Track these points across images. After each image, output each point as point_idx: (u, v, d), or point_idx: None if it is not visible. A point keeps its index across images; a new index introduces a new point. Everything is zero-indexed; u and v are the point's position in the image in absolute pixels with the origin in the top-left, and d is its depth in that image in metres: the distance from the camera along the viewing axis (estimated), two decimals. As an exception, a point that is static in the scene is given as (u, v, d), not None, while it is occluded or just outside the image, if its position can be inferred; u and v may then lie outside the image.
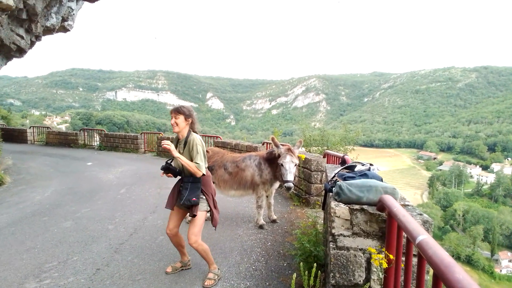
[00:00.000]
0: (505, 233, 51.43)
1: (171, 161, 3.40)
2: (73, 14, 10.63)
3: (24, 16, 8.26)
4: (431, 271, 1.32)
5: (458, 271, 1.03)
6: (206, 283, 3.33)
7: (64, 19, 10.24)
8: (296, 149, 4.91)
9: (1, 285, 3.32)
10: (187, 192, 3.24)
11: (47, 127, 19.62)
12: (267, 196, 5.37)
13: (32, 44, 9.92)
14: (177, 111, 3.29)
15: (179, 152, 3.30)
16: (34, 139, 18.85)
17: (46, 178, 9.06)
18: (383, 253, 2.04)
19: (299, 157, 5.02)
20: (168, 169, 3.29)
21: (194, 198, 3.22)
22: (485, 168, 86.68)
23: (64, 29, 10.82)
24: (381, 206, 2.18)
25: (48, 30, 10.03)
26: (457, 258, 42.80)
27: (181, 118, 3.28)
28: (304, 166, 6.86)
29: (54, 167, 10.67)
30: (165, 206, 3.46)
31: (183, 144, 3.35)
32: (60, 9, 9.68)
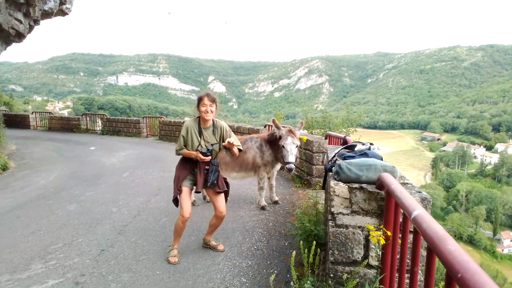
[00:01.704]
0: (508, 213, 51.64)
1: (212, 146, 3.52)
2: (71, -4, 10.48)
3: (22, 0, 8.16)
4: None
5: (451, 243, 1.04)
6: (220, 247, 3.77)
7: (62, 3, 10.11)
8: (298, 131, 4.90)
9: (7, 266, 3.40)
10: (214, 174, 3.47)
11: (50, 113, 19.70)
12: (268, 178, 5.39)
13: (31, 28, 9.83)
14: (214, 100, 3.43)
15: (205, 137, 3.47)
16: (36, 124, 18.95)
17: (50, 162, 9.14)
18: (381, 230, 2.06)
19: (300, 139, 5.02)
20: (210, 153, 3.44)
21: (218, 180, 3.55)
22: (489, 148, 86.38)
23: (62, 13, 10.69)
24: (380, 184, 2.18)
25: (47, 14, 9.92)
26: (459, 238, 43.19)
27: (214, 107, 3.43)
28: (306, 148, 6.87)
29: (58, 152, 10.75)
30: (196, 190, 3.54)
31: (211, 130, 3.50)
32: (58, -8, 9.54)
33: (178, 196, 3.49)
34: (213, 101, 3.40)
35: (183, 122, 3.49)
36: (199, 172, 3.45)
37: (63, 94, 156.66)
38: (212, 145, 3.48)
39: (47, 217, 4.84)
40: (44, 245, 3.89)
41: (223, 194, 3.61)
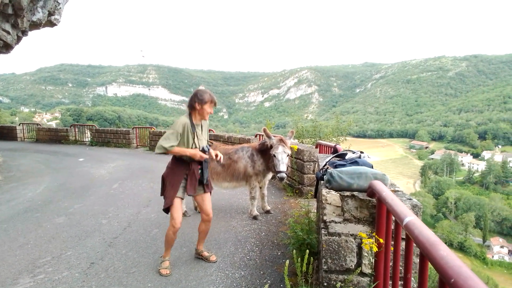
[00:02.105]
0: (496, 220, 52.43)
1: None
2: (60, 8, 10.46)
3: (10, 11, 8.12)
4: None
5: (443, 249, 1.06)
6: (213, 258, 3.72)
7: (50, 13, 10.07)
8: (288, 140, 4.92)
9: (-6, 281, 3.31)
10: (207, 171, 3.50)
11: (37, 124, 19.41)
12: (260, 187, 5.39)
13: (18, 39, 9.76)
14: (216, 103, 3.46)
15: (198, 134, 3.42)
16: (24, 136, 18.64)
17: (38, 174, 8.98)
18: (373, 237, 2.07)
19: (291, 148, 5.04)
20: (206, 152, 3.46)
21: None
22: (476, 156, 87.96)
23: (51, 24, 10.65)
24: (371, 191, 2.21)
25: (35, 25, 9.86)
26: (450, 245, 43.52)
27: None
28: (297, 157, 6.90)
29: (46, 164, 10.57)
30: (188, 193, 3.45)
31: (200, 126, 3.47)
32: (46, 3, 9.51)
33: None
34: (215, 104, 3.44)
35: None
36: (191, 173, 3.39)
37: (51, 105, 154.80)
38: (209, 144, 3.52)
39: (35, 230, 4.74)
40: (32, 259, 3.81)
41: (209, 194, 3.62)
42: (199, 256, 3.77)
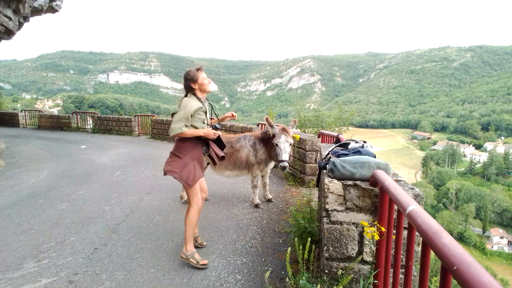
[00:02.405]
0: (497, 211, 52.58)
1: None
2: (61, -7, 10.35)
3: (10, -5, 8.04)
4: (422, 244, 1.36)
5: (445, 236, 1.07)
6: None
7: (52, -1, 9.98)
8: (291, 129, 4.91)
9: (-1, 265, 3.36)
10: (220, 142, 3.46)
11: (39, 111, 19.40)
12: (262, 176, 5.41)
13: (20, 25, 9.71)
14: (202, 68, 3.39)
15: (207, 112, 3.41)
16: (26, 122, 18.68)
17: (40, 161, 9.02)
18: (375, 226, 2.08)
19: (293, 137, 5.04)
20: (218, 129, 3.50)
21: None
22: (478, 147, 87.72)
23: (52, 10, 10.57)
24: (373, 181, 2.21)
25: (36, 11, 9.79)
26: (450, 235, 43.75)
27: None
28: (299, 146, 6.90)
29: (48, 151, 10.62)
30: (214, 164, 3.53)
31: (206, 103, 3.45)
32: (48, -12, 9.42)
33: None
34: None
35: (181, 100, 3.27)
36: (211, 147, 3.37)
37: (53, 92, 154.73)
38: (219, 123, 3.56)
39: (38, 216, 4.78)
40: (36, 244, 3.85)
41: None
42: (195, 242, 3.72)
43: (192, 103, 3.17)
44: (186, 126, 3.12)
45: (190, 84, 3.25)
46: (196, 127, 3.22)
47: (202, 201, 3.49)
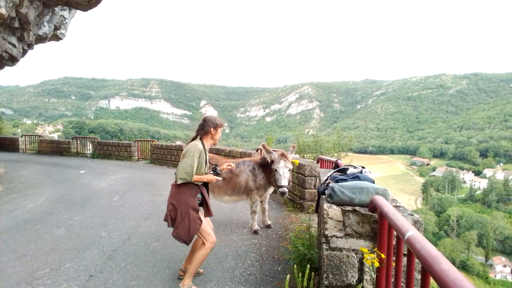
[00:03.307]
0: (499, 238, 51.79)
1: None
2: (66, 22, 10.65)
3: (16, 24, 8.27)
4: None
5: (444, 263, 1.07)
6: None
7: (56, 28, 10.25)
8: (290, 154, 4.93)
9: (-8, 292, 3.29)
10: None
11: (39, 136, 19.48)
12: (261, 202, 5.38)
13: (24, 52, 9.91)
14: None
15: (207, 160, 3.48)
16: (26, 147, 18.71)
17: (38, 186, 8.98)
18: (375, 252, 2.07)
19: (292, 163, 5.05)
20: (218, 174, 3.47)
21: None
22: (478, 173, 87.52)
23: (56, 38, 10.83)
24: (372, 206, 2.21)
25: (41, 39, 10.03)
26: (452, 263, 42.55)
27: None
28: (298, 172, 6.90)
29: (47, 176, 10.58)
30: (209, 215, 3.43)
31: (207, 151, 3.52)
32: (53, 18, 9.69)
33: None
34: None
35: (186, 144, 3.35)
36: (205, 195, 3.38)
37: (54, 118, 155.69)
38: (216, 166, 3.51)
39: (34, 242, 4.71)
40: (31, 270, 3.78)
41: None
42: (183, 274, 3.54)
43: (199, 147, 3.26)
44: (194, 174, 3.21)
45: (210, 128, 3.39)
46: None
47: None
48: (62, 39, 11.04)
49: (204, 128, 3.38)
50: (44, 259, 4.13)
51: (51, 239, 4.86)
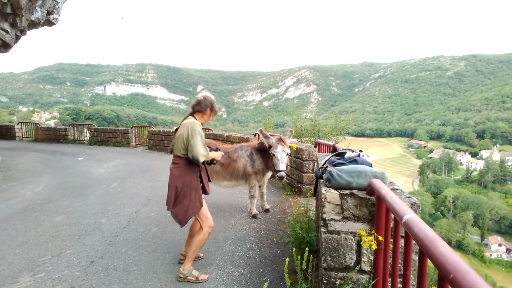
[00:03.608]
0: (494, 218, 52.62)
1: None
2: (58, 7, 10.44)
3: (8, 10, 8.10)
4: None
5: (442, 245, 1.07)
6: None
7: (49, 13, 10.05)
8: (288, 139, 4.93)
9: (-6, 279, 3.32)
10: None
11: (36, 123, 19.35)
12: (259, 186, 5.40)
13: (17, 38, 9.74)
14: None
15: None
16: (22, 135, 18.61)
17: (36, 174, 8.97)
18: (372, 235, 2.09)
19: (290, 147, 5.05)
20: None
21: None
22: (474, 155, 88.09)
23: (49, 23, 10.63)
24: (370, 190, 2.22)
25: (33, 24, 9.84)
26: (448, 243, 42.55)
27: None
28: (296, 156, 6.91)
29: (44, 163, 10.56)
30: (206, 193, 3.45)
31: None
32: (45, 3, 9.49)
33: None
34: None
35: (183, 122, 3.27)
36: (204, 174, 3.41)
37: (50, 105, 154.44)
38: (218, 148, 3.58)
39: (34, 229, 4.74)
40: (32, 258, 3.81)
41: None
42: (184, 259, 3.57)
43: (199, 125, 3.23)
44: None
45: (207, 109, 3.36)
46: None
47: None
48: (55, 24, 10.82)
49: (202, 106, 3.35)
50: (45, 246, 4.16)
51: (51, 226, 4.88)
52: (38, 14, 9.55)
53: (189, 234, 3.60)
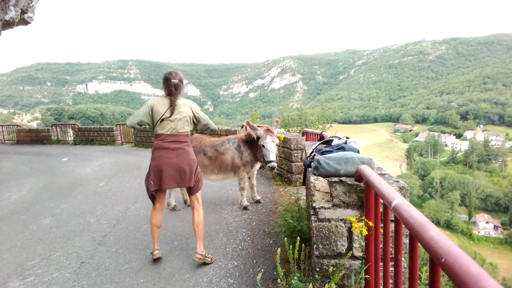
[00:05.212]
0: (481, 197, 54.10)
1: None
2: (33, 5, 10.15)
3: (-21, 9, 7.81)
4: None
5: (432, 229, 1.07)
6: None
7: (23, 12, 9.76)
8: (274, 129, 4.92)
9: (-18, 287, 3.24)
10: None
11: (17, 125, 18.88)
12: (249, 178, 5.39)
13: (-9, 38, 9.43)
14: None
15: None
16: (4, 138, 18.15)
17: (21, 176, 8.76)
18: (363, 221, 2.10)
19: (278, 137, 5.05)
20: None
21: None
22: (459, 136, 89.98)
23: (24, 22, 10.33)
24: (358, 176, 2.22)
25: (8, 24, 9.56)
26: (437, 223, 44.82)
27: None
28: (284, 146, 6.92)
29: (28, 165, 10.33)
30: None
31: None
32: (19, 2, 9.22)
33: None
34: None
35: (179, 103, 3.43)
36: None
37: (31, 106, 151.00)
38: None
39: (21, 233, 4.64)
40: (21, 262, 3.73)
41: None
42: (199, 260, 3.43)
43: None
44: None
45: (183, 90, 3.50)
46: None
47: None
48: (30, 23, 10.51)
49: (180, 88, 3.45)
50: (33, 249, 4.07)
51: (38, 229, 4.79)
52: (12, 13, 9.25)
53: (155, 226, 3.56)
